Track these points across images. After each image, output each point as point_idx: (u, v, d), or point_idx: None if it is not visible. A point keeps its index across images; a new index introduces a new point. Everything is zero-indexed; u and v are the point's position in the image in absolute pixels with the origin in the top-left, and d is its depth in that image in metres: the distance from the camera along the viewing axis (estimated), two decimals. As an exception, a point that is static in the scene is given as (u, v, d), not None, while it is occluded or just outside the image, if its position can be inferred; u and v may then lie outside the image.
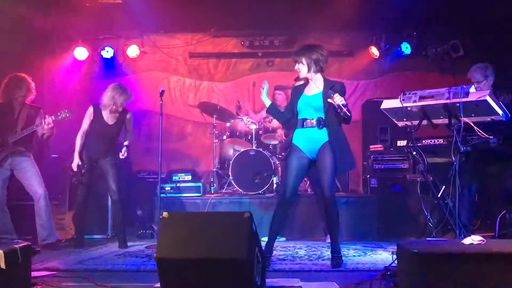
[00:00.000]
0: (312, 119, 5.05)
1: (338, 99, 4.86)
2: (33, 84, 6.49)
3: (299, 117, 5.14)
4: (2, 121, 6.36)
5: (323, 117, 5.03)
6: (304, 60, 5.11)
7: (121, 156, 6.55)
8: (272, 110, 5.47)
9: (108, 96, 6.49)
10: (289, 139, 6.27)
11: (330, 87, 5.02)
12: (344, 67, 9.59)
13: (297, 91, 5.25)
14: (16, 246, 4.04)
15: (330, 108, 4.98)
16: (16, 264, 3.96)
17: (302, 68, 5.12)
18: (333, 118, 5.03)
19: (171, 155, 9.34)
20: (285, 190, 5.07)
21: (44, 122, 6.19)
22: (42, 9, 7.58)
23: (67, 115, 6.21)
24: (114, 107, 6.48)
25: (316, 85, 5.14)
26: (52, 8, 7.72)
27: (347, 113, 4.90)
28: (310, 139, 5.06)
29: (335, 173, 5.07)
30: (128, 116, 6.65)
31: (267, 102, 5.35)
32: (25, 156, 6.39)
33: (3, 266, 3.75)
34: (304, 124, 5.09)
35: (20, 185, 6.43)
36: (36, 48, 8.86)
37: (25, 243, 4.21)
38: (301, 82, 5.56)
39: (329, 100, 4.91)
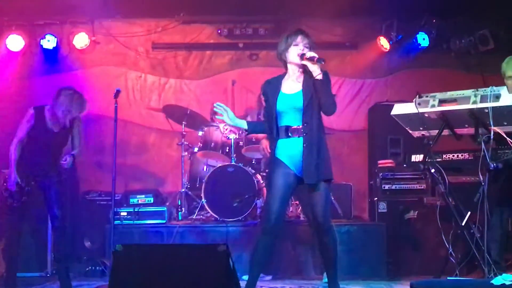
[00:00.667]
0: (299, 126, 5.05)
1: (310, 53, 4.93)
2: None
3: (281, 124, 5.10)
4: None
5: (308, 118, 5.02)
6: (308, 43, 5.12)
7: (63, 164, 6.45)
8: (253, 128, 5.46)
9: (63, 109, 6.42)
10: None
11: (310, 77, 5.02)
12: (347, 62, 9.65)
13: (272, 88, 5.17)
14: None
15: (310, 105, 4.99)
16: None
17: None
18: (315, 110, 5.04)
19: (129, 172, 9.31)
20: (269, 216, 5.04)
21: None
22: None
23: None
24: (65, 121, 6.45)
25: (297, 79, 5.13)
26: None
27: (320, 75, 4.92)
28: (297, 151, 5.06)
29: (329, 193, 5.09)
30: (76, 119, 6.59)
31: (242, 125, 5.28)
32: None
33: None
34: (289, 133, 5.08)
35: None
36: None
37: None
38: None
39: (302, 61, 4.96)
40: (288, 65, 5.13)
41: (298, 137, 5.00)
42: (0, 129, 8.83)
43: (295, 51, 5.02)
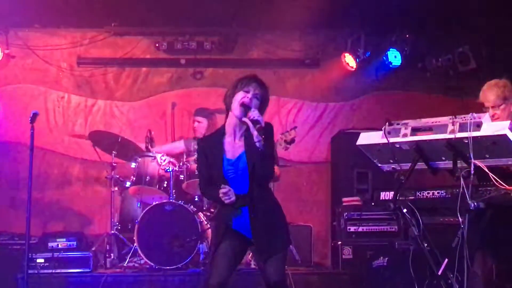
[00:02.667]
0: (245, 194, 5.05)
1: (254, 114, 4.93)
2: None
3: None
4: None
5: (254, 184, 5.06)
6: (260, 94, 5.09)
7: None
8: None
9: None
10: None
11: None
12: (307, 82, 9.76)
13: (213, 150, 5.15)
14: None
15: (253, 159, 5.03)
16: None
17: (254, 105, 5.04)
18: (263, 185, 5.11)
19: (48, 210, 9.23)
20: (214, 273, 5.05)
21: None
22: None
23: None
24: None
25: (238, 137, 5.12)
26: None
27: (260, 143, 4.94)
28: (245, 219, 5.08)
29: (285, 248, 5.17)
30: None
31: None
32: None
33: None
34: (240, 201, 5.05)
35: None
36: None
37: None
38: None
39: (243, 118, 4.97)
40: (229, 115, 5.12)
41: (245, 206, 5.04)
42: None
43: (241, 96, 5.01)
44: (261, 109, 5.06)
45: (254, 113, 4.92)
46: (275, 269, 5.01)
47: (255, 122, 4.89)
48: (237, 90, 5.05)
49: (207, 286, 5.04)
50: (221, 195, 4.91)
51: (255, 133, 4.89)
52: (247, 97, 4.98)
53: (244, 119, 4.94)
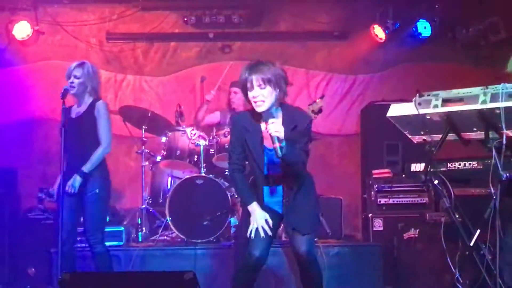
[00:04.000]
0: (279, 175, 5.12)
1: (272, 128, 4.87)
2: None
3: (268, 172, 5.16)
4: None
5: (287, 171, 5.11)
6: (266, 80, 5.01)
7: None
8: None
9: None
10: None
11: (292, 128, 5.01)
12: (335, 55, 9.71)
13: (254, 134, 5.15)
14: None
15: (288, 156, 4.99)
16: None
17: (266, 95, 5.01)
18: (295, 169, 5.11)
19: (79, 185, 9.28)
20: (254, 244, 5.12)
21: None
22: None
23: None
24: None
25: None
26: None
27: (279, 152, 4.88)
28: (278, 197, 5.19)
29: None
30: None
31: None
32: None
33: None
34: (272, 181, 5.16)
35: None
36: None
37: None
38: None
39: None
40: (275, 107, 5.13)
41: (279, 185, 5.13)
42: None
43: (252, 100, 5.00)
44: (278, 87, 5.00)
45: (271, 127, 4.82)
46: (306, 247, 5.08)
47: (273, 139, 4.81)
48: (243, 85, 5.04)
49: (249, 256, 5.10)
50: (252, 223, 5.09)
51: (275, 145, 4.82)
52: (254, 96, 4.94)
53: (265, 129, 4.90)
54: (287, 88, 5.10)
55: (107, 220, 7.08)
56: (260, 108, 4.93)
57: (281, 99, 5.08)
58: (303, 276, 5.31)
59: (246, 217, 5.27)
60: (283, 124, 4.94)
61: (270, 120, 4.83)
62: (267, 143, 5.07)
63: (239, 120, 5.25)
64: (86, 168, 6.25)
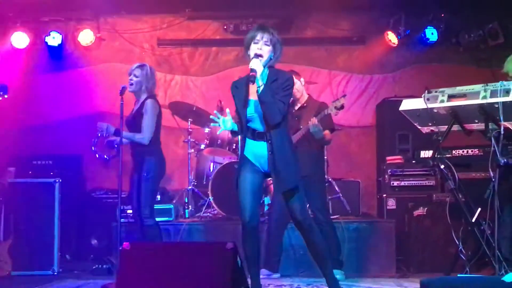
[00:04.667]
0: (263, 131, 5.06)
1: (253, 63, 4.89)
2: None
3: (249, 125, 5.10)
4: None
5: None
6: (269, 39, 5.03)
7: None
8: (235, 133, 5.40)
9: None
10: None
11: (272, 81, 4.97)
12: (354, 58, 9.64)
13: (239, 92, 5.16)
14: None
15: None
16: None
17: (267, 51, 5.02)
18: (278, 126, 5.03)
19: (135, 170, 9.32)
20: (243, 212, 5.08)
21: None
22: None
23: (1, 92, 5.69)
24: None
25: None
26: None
27: (258, 90, 4.88)
28: (262, 153, 5.09)
29: (303, 190, 5.13)
30: None
31: (234, 127, 5.22)
32: None
33: None
34: (255, 136, 5.10)
35: None
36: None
37: None
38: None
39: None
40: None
41: (263, 141, 5.05)
42: (4, 126, 8.89)
43: (253, 49, 5.00)
44: (275, 52, 5.03)
45: (251, 62, 4.89)
46: (300, 211, 5.03)
47: (251, 69, 4.85)
48: (249, 41, 5.03)
49: (243, 225, 5.09)
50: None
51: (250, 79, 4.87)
52: (257, 47, 4.95)
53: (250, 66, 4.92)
54: (281, 53, 5.10)
55: (157, 199, 7.08)
56: (253, 62, 4.90)
57: (273, 62, 5.07)
58: (307, 243, 5.24)
59: (236, 174, 5.21)
60: (267, 79, 4.94)
61: (253, 59, 4.89)
62: (253, 96, 5.03)
63: (234, 83, 5.27)
64: (123, 134, 6.27)
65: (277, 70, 5.11)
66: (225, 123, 5.09)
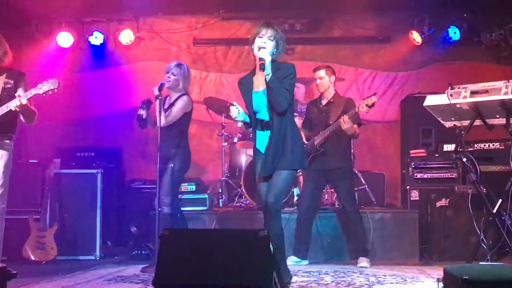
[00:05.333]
0: (268, 121, 5.06)
1: (261, 53, 4.89)
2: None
3: (257, 117, 5.13)
4: None
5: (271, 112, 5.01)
6: (273, 35, 5.05)
7: None
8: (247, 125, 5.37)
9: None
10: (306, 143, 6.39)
11: (275, 71, 4.95)
12: (380, 56, 9.59)
13: (246, 87, 5.20)
14: (-11, 268, 4.06)
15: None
16: (-12, 289, 3.99)
17: (269, 46, 5.01)
18: (280, 115, 5.01)
19: (172, 161, 9.37)
20: (261, 199, 5.16)
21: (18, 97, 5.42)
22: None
23: (52, 86, 5.47)
24: None
25: (262, 75, 5.05)
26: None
27: (267, 78, 4.90)
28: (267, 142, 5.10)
29: (288, 181, 5.10)
30: None
31: (247, 119, 5.23)
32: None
33: (-27, 291, 3.78)
34: (262, 127, 5.11)
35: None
36: (12, 33, 8.92)
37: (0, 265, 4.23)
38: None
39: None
40: (256, 58, 5.05)
41: (268, 130, 5.05)
42: (50, 120, 8.98)
43: (257, 42, 5.01)
44: (278, 47, 5.04)
45: (259, 52, 4.92)
46: (272, 191, 4.96)
47: (260, 59, 4.89)
48: (254, 36, 5.05)
49: (264, 207, 5.08)
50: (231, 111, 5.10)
51: (259, 68, 4.90)
52: (261, 41, 4.96)
53: (257, 57, 4.95)
54: (283, 49, 5.10)
55: (180, 189, 7.11)
56: (261, 52, 4.92)
57: (275, 57, 5.06)
58: (266, 228, 5.02)
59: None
60: (272, 70, 4.92)
61: (260, 50, 4.91)
62: (257, 88, 5.06)
63: (240, 80, 5.33)
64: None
65: (279, 62, 5.10)
66: (235, 112, 5.13)
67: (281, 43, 5.09)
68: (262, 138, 5.10)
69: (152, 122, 6.54)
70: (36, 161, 7.85)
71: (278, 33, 5.08)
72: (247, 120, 5.22)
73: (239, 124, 8.33)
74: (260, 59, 4.90)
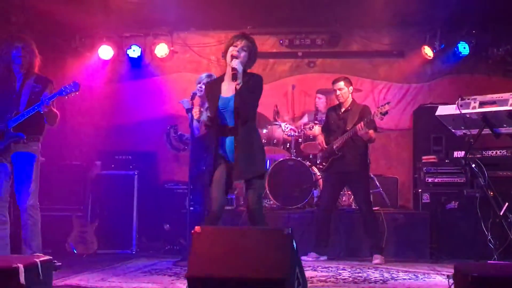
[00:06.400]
0: (232, 127, 4.89)
1: (233, 63, 4.81)
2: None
3: (221, 122, 4.95)
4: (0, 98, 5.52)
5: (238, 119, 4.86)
6: (247, 46, 4.96)
7: None
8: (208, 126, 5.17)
9: None
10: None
11: (247, 80, 4.85)
12: (394, 68, 9.54)
13: (213, 90, 5.03)
14: (37, 260, 4.10)
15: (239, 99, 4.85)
16: (36, 280, 4.03)
17: (243, 56, 4.92)
18: (246, 122, 4.89)
19: (202, 164, 9.40)
20: (212, 203, 4.90)
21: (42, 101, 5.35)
22: (64, 4, 7.72)
23: (73, 89, 5.40)
24: None
25: (232, 82, 4.91)
26: (75, 3, 7.86)
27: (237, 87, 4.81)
28: (230, 147, 4.91)
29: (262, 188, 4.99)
30: None
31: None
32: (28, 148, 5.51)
33: (22, 281, 3.81)
34: (226, 132, 4.93)
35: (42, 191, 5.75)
36: (58, 45, 9.07)
37: (46, 258, 4.28)
38: None
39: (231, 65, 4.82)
40: (227, 65, 4.97)
41: (232, 136, 4.89)
42: (92, 126, 9.07)
43: (230, 51, 4.92)
44: (250, 58, 4.96)
45: (233, 62, 4.81)
46: (253, 198, 4.83)
47: (232, 68, 4.78)
48: (229, 45, 4.95)
49: (210, 213, 4.93)
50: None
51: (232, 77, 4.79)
52: (235, 50, 4.87)
53: (230, 66, 4.84)
54: (254, 62, 5.04)
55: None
56: (234, 62, 4.81)
57: (247, 67, 4.99)
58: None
59: (210, 168, 4.98)
60: (242, 79, 4.82)
61: (233, 60, 4.82)
62: (225, 94, 4.91)
63: (208, 84, 5.30)
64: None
65: (250, 73, 5.00)
66: (195, 113, 5.08)
67: (254, 55, 4.99)
68: (226, 143, 4.91)
69: (182, 147, 6.60)
70: (79, 163, 7.93)
71: (253, 46, 4.99)
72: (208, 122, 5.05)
73: (264, 131, 8.26)
74: (233, 69, 4.78)
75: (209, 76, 6.66)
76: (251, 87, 4.86)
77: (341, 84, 6.98)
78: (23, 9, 7.80)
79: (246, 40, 4.96)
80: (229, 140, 4.90)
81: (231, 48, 4.93)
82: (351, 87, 7.00)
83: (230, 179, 4.91)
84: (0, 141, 5.38)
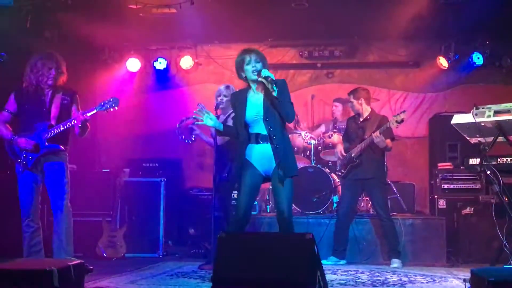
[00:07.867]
0: (265, 134, 4.87)
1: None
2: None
3: (251, 131, 4.93)
4: (30, 111, 5.52)
5: (271, 125, 4.84)
6: (258, 57, 4.91)
7: None
8: (226, 131, 5.16)
9: None
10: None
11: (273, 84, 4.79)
12: (410, 79, 9.52)
13: (240, 100, 5.00)
14: (70, 263, 4.16)
15: (270, 115, 4.83)
16: (69, 282, 4.07)
17: (259, 67, 4.86)
18: (276, 118, 4.86)
19: (225, 172, 9.42)
20: (238, 210, 4.89)
21: (80, 115, 5.44)
22: (94, 19, 7.81)
23: (113, 104, 5.49)
24: None
25: (258, 92, 4.94)
26: (104, 18, 7.94)
27: (274, 93, 4.73)
28: (264, 155, 4.90)
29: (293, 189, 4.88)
30: None
31: (220, 126, 5.05)
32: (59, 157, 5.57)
33: (56, 284, 3.86)
34: (259, 139, 4.90)
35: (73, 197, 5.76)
36: (88, 59, 9.17)
37: (78, 261, 4.33)
38: None
39: (259, 79, 4.79)
40: (249, 81, 4.94)
41: (266, 143, 4.86)
42: (120, 135, 9.14)
43: (250, 69, 4.86)
44: (265, 66, 4.90)
45: (263, 72, 4.77)
46: (287, 208, 4.78)
47: (267, 77, 4.74)
48: (240, 64, 4.92)
49: (237, 218, 4.88)
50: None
51: (269, 86, 4.72)
52: (252, 66, 4.83)
53: (260, 79, 4.79)
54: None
55: (233, 196, 7.08)
56: (264, 71, 4.77)
57: None
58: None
59: (237, 175, 4.99)
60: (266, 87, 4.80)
61: (262, 70, 4.77)
62: (253, 104, 4.89)
63: (233, 94, 5.23)
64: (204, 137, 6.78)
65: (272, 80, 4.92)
66: (206, 119, 4.98)
67: (266, 62, 4.96)
68: (257, 150, 4.89)
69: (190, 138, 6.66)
70: (108, 170, 7.98)
71: (261, 54, 4.96)
72: (221, 127, 5.04)
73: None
74: (266, 77, 4.73)
75: (227, 87, 6.68)
76: (281, 91, 4.83)
77: (351, 97, 7.03)
78: (56, 25, 7.92)
79: (254, 53, 4.93)
80: (262, 148, 4.88)
81: (246, 67, 4.90)
82: (361, 99, 6.97)
83: (257, 185, 4.94)
84: (35, 153, 5.45)
